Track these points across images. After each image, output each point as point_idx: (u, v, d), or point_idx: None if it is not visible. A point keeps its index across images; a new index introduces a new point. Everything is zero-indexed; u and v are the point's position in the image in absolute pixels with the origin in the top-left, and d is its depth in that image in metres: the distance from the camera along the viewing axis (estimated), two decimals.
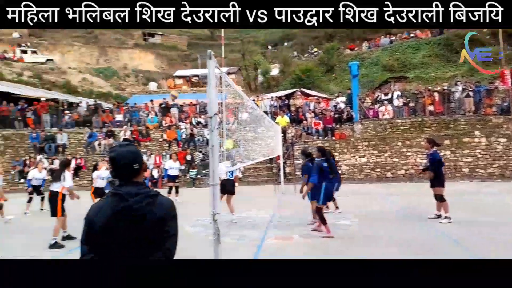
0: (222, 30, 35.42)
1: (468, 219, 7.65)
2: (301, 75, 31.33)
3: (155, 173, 16.96)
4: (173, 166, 12.16)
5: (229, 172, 8.24)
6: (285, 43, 47.43)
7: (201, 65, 37.31)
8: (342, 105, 19.37)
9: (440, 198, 7.66)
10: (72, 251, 6.34)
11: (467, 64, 28.02)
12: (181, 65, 44.10)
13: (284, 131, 17.04)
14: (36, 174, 10.80)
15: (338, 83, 33.18)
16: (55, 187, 6.97)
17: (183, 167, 12.02)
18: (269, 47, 49.18)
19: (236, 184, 15.92)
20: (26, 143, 19.04)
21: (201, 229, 7.74)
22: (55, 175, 7.15)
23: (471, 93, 17.44)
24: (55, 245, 6.62)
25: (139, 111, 20.89)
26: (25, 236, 7.80)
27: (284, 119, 18.30)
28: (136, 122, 20.09)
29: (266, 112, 17.44)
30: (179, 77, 38.26)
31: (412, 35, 36.43)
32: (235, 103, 7.45)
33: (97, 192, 9.23)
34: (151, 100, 22.33)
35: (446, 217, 7.46)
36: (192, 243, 6.24)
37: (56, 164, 17.52)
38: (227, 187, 8.18)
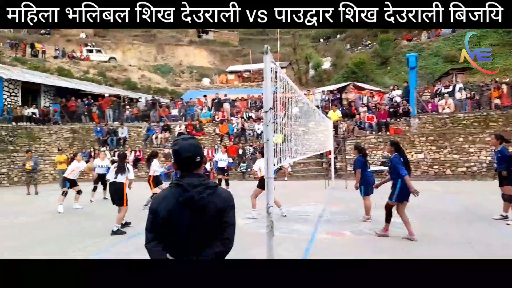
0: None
1: None
2: (354, 68, 30.44)
3: (208, 166, 17.49)
4: (222, 158, 12.47)
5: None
6: (338, 36, 46.28)
7: (252, 60, 37.64)
8: (398, 99, 18.55)
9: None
10: (133, 238, 6.80)
11: None
12: (233, 61, 44.88)
13: (335, 126, 16.73)
14: (99, 162, 11.58)
15: (393, 75, 31.78)
16: (120, 178, 7.45)
17: (231, 160, 12.26)
18: (321, 40, 48.31)
19: (286, 178, 16.12)
20: (91, 136, 20.59)
21: (251, 221, 7.90)
22: (120, 167, 7.53)
23: None
24: (117, 232, 7.13)
25: (194, 106, 21.65)
26: (89, 223, 8.49)
27: (335, 114, 17.95)
28: (191, 117, 20.86)
29: (317, 107, 17.24)
30: (231, 72, 38.95)
31: None
32: (285, 97, 7.46)
33: (100, 179, 11.53)
34: (205, 95, 23.02)
35: None
36: (243, 235, 6.40)
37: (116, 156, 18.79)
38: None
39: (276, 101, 5.15)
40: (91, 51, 37.52)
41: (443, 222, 7.39)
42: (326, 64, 37.35)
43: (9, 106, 21.02)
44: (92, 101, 23.13)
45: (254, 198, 8.41)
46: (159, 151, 18.94)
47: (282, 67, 33.48)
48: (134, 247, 6.02)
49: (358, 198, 7.93)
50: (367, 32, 41.48)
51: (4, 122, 19.65)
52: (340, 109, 18.94)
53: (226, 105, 21.20)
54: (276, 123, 5.18)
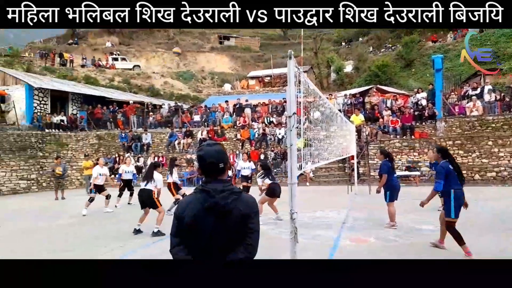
0: (302, 29, 35.40)
1: None
2: (377, 71, 29.97)
3: (229, 172, 17.59)
4: (244, 166, 12.13)
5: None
6: (360, 39, 45.74)
7: (273, 65, 37.70)
8: (423, 102, 18.09)
9: None
10: (158, 242, 6.88)
11: None
12: (254, 66, 45.10)
13: (358, 130, 16.48)
14: (125, 168, 11.85)
15: (418, 78, 31.06)
16: (149, 186, 7.58)
17: (253, 166, 12.14)
18: (343, 43, 47.88)
19: (307, 183, 15.96)
20: (116, 142, 21.11)
21: (273, 227, 7.85)
22: (146, 175, 7.73)
23: None
24: (157, 233, 7.34)
25: (215, 112, 21.84)
26: (115, 226, 8.66)
27: (358, 118, 17.69)
28: (212, 122, 21.04)
29: (339, 111, 17.03)
30: (252, 77, 39.14)
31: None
32: (306, 102, 7.40)
33: (126, 184, 11.66)
34: (226, 101, 23.20)
35: None
36: (265, 240, 6.35)
37: (141, 162, 19.14)
38: (277, 191, 8.41)
39: (299, 105, 5.11)
40: (116, 59, 38.63)
41: (472, 229, 7.11)
42: (348, 67, 36.94)
43: (39, 113, 21.85)
44: (117, 108, 23.75)
45: (271, 205, 8.56)
46: (182, 156, 19.23)
47: (303, 71, 33.49)
48: (160, 250, 6.09)
49: (382, 203, 7.74)
50: (390, 34, 40.79)
51: (35, 129, 20.44)
52: (363, 113, 18.66)
53: (247, 111, 21.29)
54: (298, 128, 5.13)
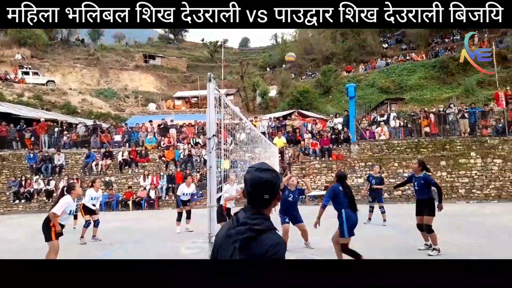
0: (222, 52, 36.13)
1: (466, 241, 7.63)
2: (299, 97, 31.75)
3: (152, 194, 16.92)
4: (186, 192, 10.44)
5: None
6: (283, 65, 48.24)
7: (200, 86, 37.78)
8: (339, 126, 19.56)
9: (428, 229, 6.73)
10: None
11: (462, 85, 28.69)
12: (180, 87, 44.67)
13: (281, 152, 17.12)
14: (93, 193, 9.78)
15: (335, 104, 33.58)
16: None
17: (194, 190, 10.84)
18: (268, 69, 50.01)
19: (233, 205, 15.98)
20: (23, 164, 19.04)
21: (198, 251, 7.69)
22: (56, 199, 6.45)
23: (466, 115, 17.67)
24: None
25: (138, 132, 21.00)
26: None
27: (281, 140, 18.42)
28: (135, 143, 20.15)
29: (263, 133, 17.57)
30: (179, 98, 38.68)
31: (408, 57, 37.18)
32: (232, 124, 7.54)
33: (86, 209, 9.55)
34: (150, 121, 22.48)
35: (434, 249, 6.68)
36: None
37: (52, 185, 17.50)
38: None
39: (221, 127, 5.19)
40: (27, 73, 35.31)
41: (377, 249, 7.73)
42: (273, 92, 38.57)
43: None
44: (25, 126, 21.46)
45: None
46: (100, 179, 18.00)
47: (230, 94, 34.11)
48: None
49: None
50: (311, 63, 43.75)
51: None
52: (286, 135, 19.49)
53: (173, 131, 20.85)
54: (220, 150, 5.18)
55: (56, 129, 21.74)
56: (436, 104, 25.03)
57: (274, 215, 10.46)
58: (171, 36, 68.49)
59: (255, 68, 49.85)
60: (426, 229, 6.75)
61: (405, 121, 19.50)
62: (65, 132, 21.38)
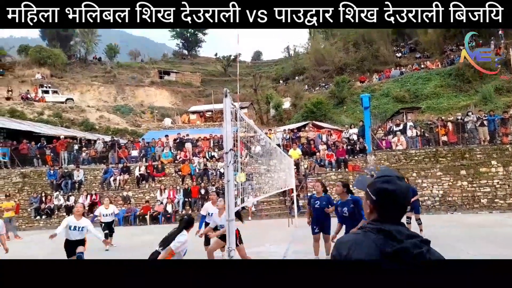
0: (238, 67, 36.61)
1: (493, 252, 7.40)
2: (313, 108, 31.72)
3: (169, 208, 17.03)
4: (211, 212, 8.10)
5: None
6: (296, 77, 48.43)
7: (214, 100, 38.22)
8: (354, 137, 19.39)
9: None
10: None
11: (480, 92, 28.18)
12: (195, 101, 45.30)
13: (297, 164, 17.05)
14: (103, 211, 10.82)
15: (349, 115, 33.39)
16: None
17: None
18: (281, 81, 50.29)
19: (249, 218, 15.96)
20: (44, 180, 19.47)
21: None
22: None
23: (485, 122, 17.29)
24: None
25: (154, 147, 21.28)
26: None
27: (296, 152, 18.36)
28: (151, 157, 20.41)
29: (278, 145, 17.58)
30: (193, 112, 39.17)
31: (422, 66, 36.83)
32: (247, 137, 7.58)
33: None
34: (166, 136, 22.78)
35: None
36: None
37: (72, 200, 17.81)
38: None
39: (237, 141, 5.23)
40: (47, 92, 36.42)
41: None
42: (286, 104, 38.66)
43: None
44: (46, 143, 22.06)
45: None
46: (117, 193, 18.26)
47: (243, 107, 34.35)
48: None
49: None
50: (324, 74, 43.79)
51: None
52: (300, 147, 19.43)
53: (188, 145, 21.06)
54: (236, 163, 5.21)
55: (75, 146, 22.23)
56: (453, 112, 24.62)
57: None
58: (185, 51, 69.81)
59: (268, 80, 50.17)
60: None
61: (422, 130, 19.20)
62: (84, 149, 21.84)
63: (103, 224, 10.75)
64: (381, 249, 1.51)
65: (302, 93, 39.53)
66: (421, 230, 9.85)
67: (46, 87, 37.59)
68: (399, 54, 43.44)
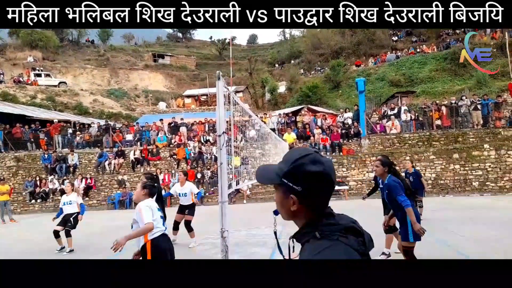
0: (231, 50, 36.20)
1: (483, 234, 7.56)
2: (308, 92, 31.62)
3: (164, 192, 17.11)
4: (180, 192, 8.54)
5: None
6: (292, 61, 48.05)
7: (209, 84, 37.94)
8: (349, 121, 19.45)
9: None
10: None
11: (475, 77, 28.22)
12: (190, 85, 44.90)
13: (291, 148, 17.10)
14: (64, 198, 8.64)
15: (344, 99, 33.36)
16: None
17: (196, 191, 8.84)
18: (276, 65, 49.89)
19: (245, 201, 16.12)
20: (38, 164, 19.42)
21: (209, 247, 7.78)
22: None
23: (478, 106, 17.40)
24: None
25: (149, 131, 21.22)
26: None
27: (291, 136, 18.41)
28: (146, 141, 20.38)
29: (273, 129, 17.60)
30: (188, 96, 38.92)
31: (418, 50, 36.67)
32: (242, 121, 7.58)
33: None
34: (161, 120, 22.69)
35: (383, 253, 6.21)
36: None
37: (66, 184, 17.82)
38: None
39: (231, 125, 5.24)
40: (39, 75, 35.87)
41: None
42: (282, 88, 38.48)
43: None
44: (40, 127, 21.89)
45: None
46: (112, 177, 18.30)
47: (238, 91, 34.18)
48: None
49: None
50: (319, 58, 43.48)
51: None
52: (296, 131, 19.46)
53: (183, 129, 21.02)
54: (230, 146, 5.24)
55: (69, 130, 22.11)
56: (448, 96, 24.71)
57: None
58: (180, 34, 68.79)
59: (263, 64, 49.76)
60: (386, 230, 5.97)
61: (416, 114, 19.30)
62: (78, 133, 21.72)
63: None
64: (358, 251, 1.23)
65: (298, 77, 39.30)
66: (420, 213, 9.69)
67: (38, 70, 37.03)
68: (395, 38, 43.15)
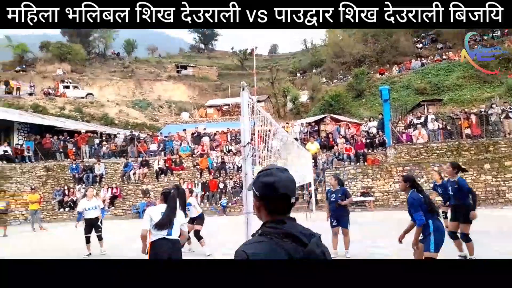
0: (254, 60, 36.44)
1: None
2: (331, 101, 31.30)
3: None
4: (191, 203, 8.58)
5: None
6: (314, 70, 47.87)
7: (231, 94, 38.25)
8: (373, 130, 19.06)
9: (465, 238, 6.32)
10: None
11: (505, 84, 27.19)
12: (212, 95, 45.44)
13: (314, 158, 16.90)
14: (86, 204, 8.93)
15: (368, 107, 32.82)
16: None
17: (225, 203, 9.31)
18: (298, 74, 49.83)
19: None
20: (66, 174, 19.99)
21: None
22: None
23: (510, 115, 16.69)
24: None
25: (172, 141, 21.50)
26: None
27: (314, 145, 18.20)
28: (170, 151, 20.65)
29: (295, 139, 17.46)
30: (210, 106, 39.32)
31: (444, 57, 35.76)
32: (265, 130, 7.52)
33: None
34: (184, 130, 22.98)
35: (471, 259, 6.14)
36: None
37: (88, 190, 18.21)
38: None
39: (254, 134, 5.19)
40: (67, 87, 37.20)
41: None
42: (304, 97, 38.29)
43: None
44: (68, 137, 22.63)
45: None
46: (137, 187, 18.58)
47: (260, 101, 34.24)
48: None
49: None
50: (342, 66, 43.12)
51: None
52: (318, 141, 19.24)
53: (206, 139, 21.19)
54: (254, 156, 5.18)
55: (96, 140, 22.72)
56: (477, 104, 23.85)
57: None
58: (202, 46, 69.99)
59: (285, 73, 49.81)
60: (463, 238, 6.39)
61: (444, 123, 18.70)
62: (104, 143, 22.29)
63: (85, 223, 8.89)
64: (293, 257, 1.41)
65: (320, 85, 39.02)
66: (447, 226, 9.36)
67: (67, 82, 38.42)
68: (419, 45, 42.28)
